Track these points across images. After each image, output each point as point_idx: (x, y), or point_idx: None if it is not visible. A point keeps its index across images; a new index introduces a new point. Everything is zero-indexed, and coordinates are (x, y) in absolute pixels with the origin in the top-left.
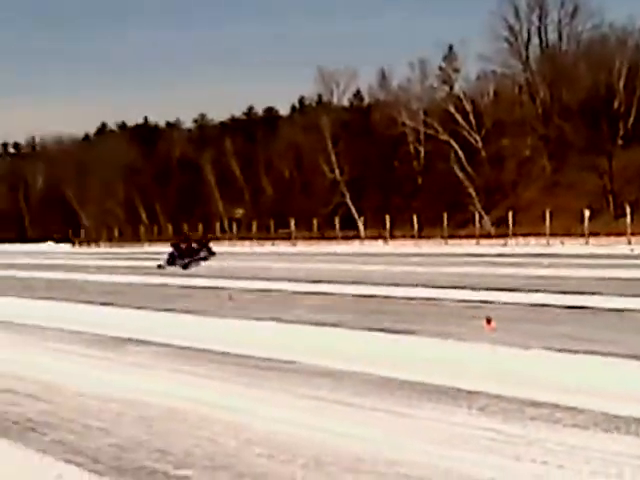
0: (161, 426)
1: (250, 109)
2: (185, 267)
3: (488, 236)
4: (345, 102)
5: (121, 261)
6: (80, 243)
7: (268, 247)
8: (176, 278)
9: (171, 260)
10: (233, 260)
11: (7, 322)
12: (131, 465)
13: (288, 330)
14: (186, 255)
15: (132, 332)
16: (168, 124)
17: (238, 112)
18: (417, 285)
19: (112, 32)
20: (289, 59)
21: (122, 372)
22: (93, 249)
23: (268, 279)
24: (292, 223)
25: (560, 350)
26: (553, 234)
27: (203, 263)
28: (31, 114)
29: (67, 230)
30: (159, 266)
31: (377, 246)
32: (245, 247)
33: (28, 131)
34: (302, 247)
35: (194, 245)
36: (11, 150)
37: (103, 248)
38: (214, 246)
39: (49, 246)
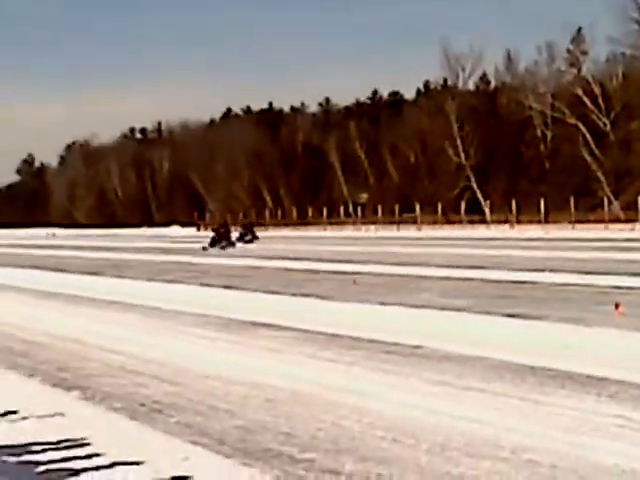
0: (287, 409)
1: (375, 93)
2: (223, 248)
3: (617, 221)
4: (471, 86)
5: (246, 244)
6: (205, 227)
7: (393, 231)
8: (303, 262)
9: (213, 243)
10: (352, 246)
11: (138, 305)
12: (256, 447)
13: (414, 314)
14: (224, 239)
15: (260, 316)
16: (292, 108)
17: (363, 96)
18: (544, 270)
19: (240, 16)
20: (415, 42)
21: (249, 355)
22: None
23: (397, 264)
24: (417, 207)
25: None
26: None
27: (245, 245)
28: (157, 99)
29: (192, 214)
30: (203, 248)
31: (503, 230)
32: (370, 232)
33: (154, 116)
34: (427, 231)
35: (239, 230)
36: (138, 135)
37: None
38: (333, 231)
39: (174, 230)
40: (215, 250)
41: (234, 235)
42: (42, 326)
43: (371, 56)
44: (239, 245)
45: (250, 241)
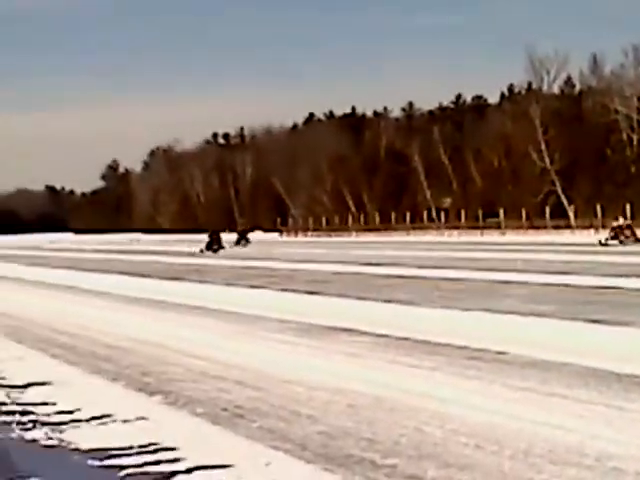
0: (369, 415)
1: (458, 97)
2: (215, 252)
3: None
4: (556, 89)
5: (329, 250)
6: (288, 232)
7: (477, 236)
8: (384, 268)
9: (207, 247)
10: (432, 251)
11: (219, 310)
12: (338, 453)
13: (498, 320)
14: (215, 243)
15: (341, 321)
16: (375, 113)
17: (446, 100)
18: (630, 276)
19: (323, 20)
20: (499, 46)
21: (330, 360)
22: (300, 238)
23: (480, 269)
24: (501, 212)
25: None
26: None
27: (241, 249)
28: (240, 104)
29: (275, 219)
30: (201, 250)
31: (588, 236)
32: (453, 237)
33: (237, 121)
34: (511, 236)
35: (235, 235)
36: (221, 141)
37: (310, 237)
38: (416, 235)
39: (258, 236)
40: (209, 252)
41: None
42: (125, 331)
43: (454, 60)
44: (236, 248)
45: (244, 245)
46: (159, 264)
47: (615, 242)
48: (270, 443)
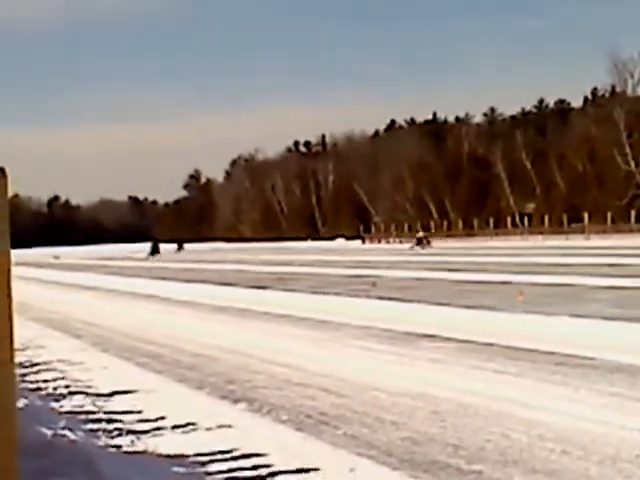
0: (453, 421)
1: (541, 102)
2: (152, 256)
3: None
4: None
5: (410, 257)
6: (370, 239)
7: (561, 241)
8: (467, 274)
9: (151, 253)
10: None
11: (304, 318)
12: (423, 459)
13: (583, 325)
14: (155, 251)
15: (424, 327)
16: (457, 119)
17: (529, 105)
18: None
19: (401, 27)
20: (582, 49)
21: (415, 367)
22: (383, 245)
23: (565, 273)
24: (585, 217)
25: None
26: None
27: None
28: (321, 112)
29: (358, 227)
30: (147, 257)
31: None
32: (537, 242)
33: (318, 129)
34: (596, 241)
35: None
36: (302, 149)
37: (393, 244)
38: (500, 241)
39: (340, 243)
40: (152, 258)
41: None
42: (210, 339)
43: (536, 64)
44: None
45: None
46: (242, 273)
47: None
48: (355, 449)
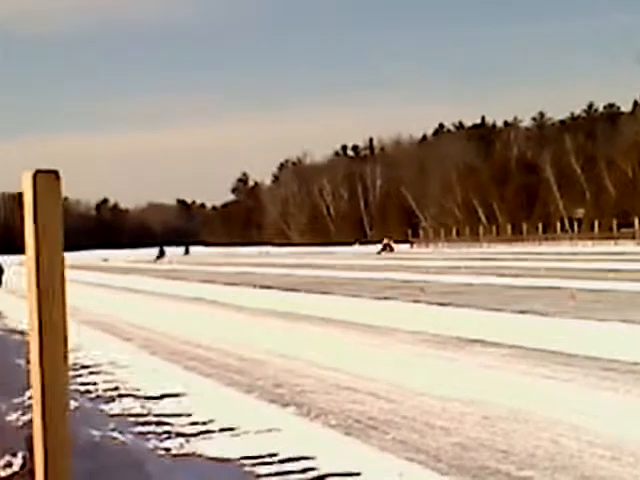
0: (504, 426)
1: (590, 106)
2: (159, 259)
3: None
4: None
5: (459, 262)
6: (419, 244)
7: (611, 246)
8: (516, 279)
9: (157, 258)
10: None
11: (351, 322)
12: (473, 465)
13: (636, 331)
14: (162, 254)
15: (474, 332)
16: (506, 123)
17: (578, 109)
18: None
19: (450, 31)
20: (631, 52)
21: (465, 372)
22: (431, 250)
23: (616, 279)
24: (636, 222)
25: None
26: None
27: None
28: (369, 116)
29: (405, 231)
30: (155, 260)
31: None
32: (586, 247)
33: (366, 133)
34: None
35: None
36: (350, 153)
37: (441, 249)
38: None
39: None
40: (158, 261)
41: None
42: (258, 343)
43: (586, 68)
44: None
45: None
46: (291, 277)
47: None
48: (403, 454)
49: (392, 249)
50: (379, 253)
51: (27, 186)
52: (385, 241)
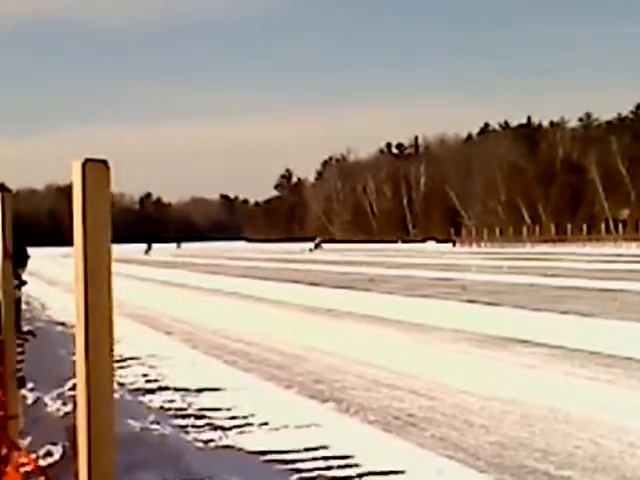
0: (543, 426)
1: (638, 107)
2: (147, 254)
3: None
4: None
5: (503, 261)
6: (462, 243)
7: None
8: (560, 279)
9: (146, 251)
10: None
11: (395, 320)
12: (512, 463)
13: None
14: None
15: (517, 332)
16: (551, 123)
17: (625, 110)
18: None
19: (500, 30)
20: None
21: (506, 371)
22: (474, 249)
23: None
24: None
25: None
26: None
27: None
28: (414, 114)
29: (448, 230)
30: (145, 252)
31: None
32: (631, 249)
33: (411, 131)
34: None
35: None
36: (394, 151)
37: (484, 248)
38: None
39: (430, 246)
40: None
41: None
42: (298, 339)
43: (634, 69)
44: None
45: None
46: (334, 274)
47: None
48: (442, 452)
49: (321, 246)
50: (311, 251)
51: (76, 175)
52: (317, 240)
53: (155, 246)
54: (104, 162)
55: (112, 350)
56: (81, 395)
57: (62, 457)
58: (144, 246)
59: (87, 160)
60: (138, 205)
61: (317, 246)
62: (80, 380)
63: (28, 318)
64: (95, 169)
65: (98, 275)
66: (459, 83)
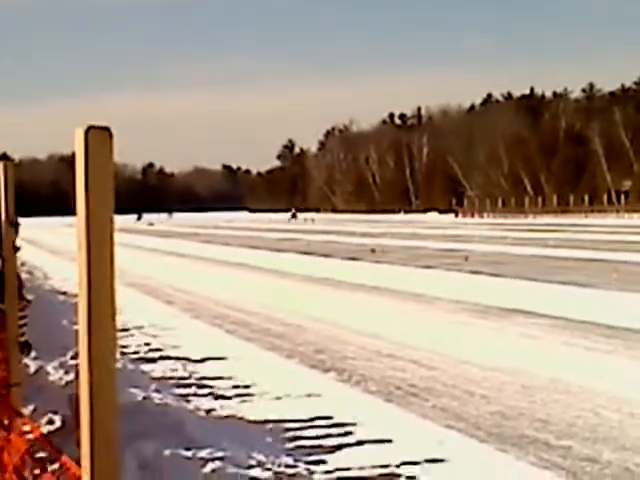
0: (543, 396)
1: None
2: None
3: None
4: None
5: (506, 232)
6: (464, 213)
7: None
8: (561, 250)
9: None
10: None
11: (395, 290)
12: (512, 433)
13: None
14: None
15: (517, 303)
16: (555, 94)
17: (628, 81)
18: None
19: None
20: None
21: (506, 342)
22: (476, 220)
23: None
24: None
25: None
26: None
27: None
28: (417, 85)
29: (450, 200)
30: (150, 224)
31: None
32: (633, 220)
33: (414, 102)
34: None
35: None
36: (397, 121)
37: (486, 219)
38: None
39: (432, 217)
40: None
41: None
42: (299, 309)
43: (637, 40)
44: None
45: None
46: (336, 244)
47: None
48: (443, 422)
49: (296, 217)
50: (289, 221)
51: (79, 142)
52: (293, 211)
53: (148, 216)
54: (107, 129)
55: (114, 319)
56: (83, 363)
57: (64, 425)
58: (147, 217)
59: (90, 127)
60: (140, 175)
61: (294, 216)
62: (82, 349)
63: (30, 287)
64: (98, 136)
65: (101, 244)
66: (462, 54)
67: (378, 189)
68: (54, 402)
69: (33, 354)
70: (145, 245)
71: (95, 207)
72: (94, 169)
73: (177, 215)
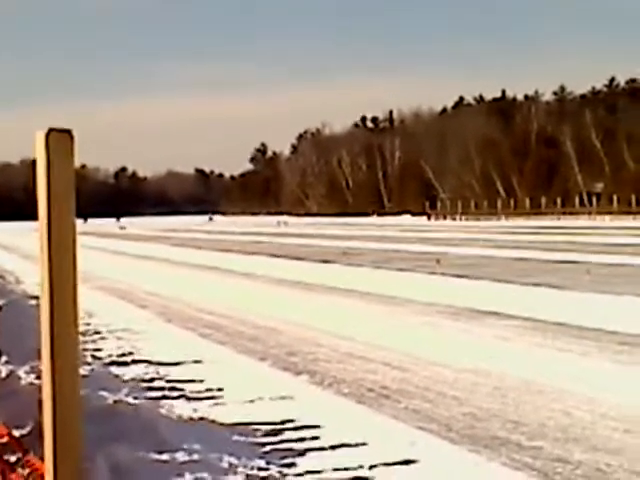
0: (515, 397)
1: (612, 80)
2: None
3: None
4: None
5: (477, 234)
6: (436, 216)
7: (629, 221)
8: (533, 252)
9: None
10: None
11: (365, 292)
12: (484, 434)
13: None
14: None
15: (489, 305)
16: (526, 97)
17: (599, 84)
18: None
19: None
20: None
21: (479, 344)
22: (449, 222)
23: (629, 254)
24: None
25: None
26: None
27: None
28: (389, 88)
29: (423, 203)
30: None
31: None
32: (605, 221)
33: (386, 105)
34: None
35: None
36: (369, 124)
37: (459, 221)
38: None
39: (404, 219)
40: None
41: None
42: (272, 312)
43: (608, 42)
44: None
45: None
46: (308, 247)
47: None
48: (415, 423)
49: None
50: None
51: (40, 145)
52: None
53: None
54: (68, 132)
55: (77, 321)
56: (46, 367)
57: (35, 429)
58: (120, 221)
59: (50, 130)
60: (113, 179)
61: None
62: (45, 351)
63: (1, 291)
64: (59, 139)
65: (63, 245)
66: (433, 58)
67: (351, 192)
68: (25, 406)
69: (4, 359)
70: (119, 249)
71: (56, 208)
72: (55, 172)
73: (148, 219)
